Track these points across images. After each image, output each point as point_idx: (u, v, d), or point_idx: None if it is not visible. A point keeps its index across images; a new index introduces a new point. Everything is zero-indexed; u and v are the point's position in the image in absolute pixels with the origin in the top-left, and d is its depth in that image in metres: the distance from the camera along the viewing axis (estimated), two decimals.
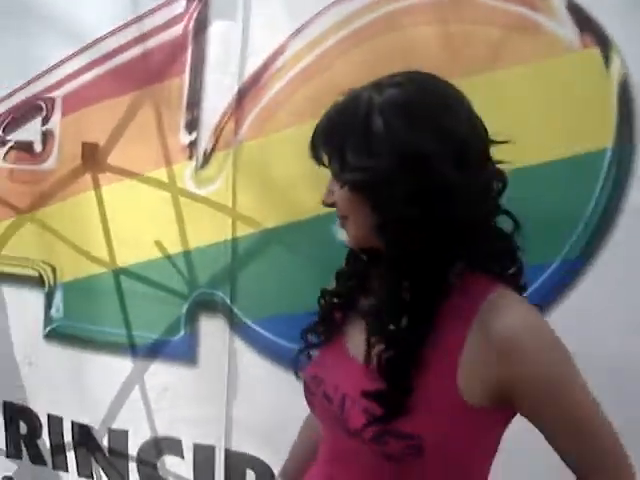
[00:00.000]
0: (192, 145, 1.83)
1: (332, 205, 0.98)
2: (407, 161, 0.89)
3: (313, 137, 0.97)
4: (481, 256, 0.95)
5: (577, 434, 0.93)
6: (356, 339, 1.02)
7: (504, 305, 0.92)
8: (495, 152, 1.67)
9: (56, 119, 1.98)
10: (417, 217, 0.90)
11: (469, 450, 0.97)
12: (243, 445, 1.89)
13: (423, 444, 0.91)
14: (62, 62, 1.95)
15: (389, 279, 0.95)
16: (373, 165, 0.90)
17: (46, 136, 2.00)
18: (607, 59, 1.52)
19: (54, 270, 2.05)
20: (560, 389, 0.91)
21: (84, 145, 1.92)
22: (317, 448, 1.13)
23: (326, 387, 1.02)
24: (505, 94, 1.58)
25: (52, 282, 2.05)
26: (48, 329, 2.07)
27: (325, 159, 0.97)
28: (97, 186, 1.92)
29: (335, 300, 1.09)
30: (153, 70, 1.85)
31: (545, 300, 1.58)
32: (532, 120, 1.57)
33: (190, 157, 1.84)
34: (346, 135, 0.92)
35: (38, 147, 2.02)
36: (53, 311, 2.06)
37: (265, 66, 1.75)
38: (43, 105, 2.00)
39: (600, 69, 1.54)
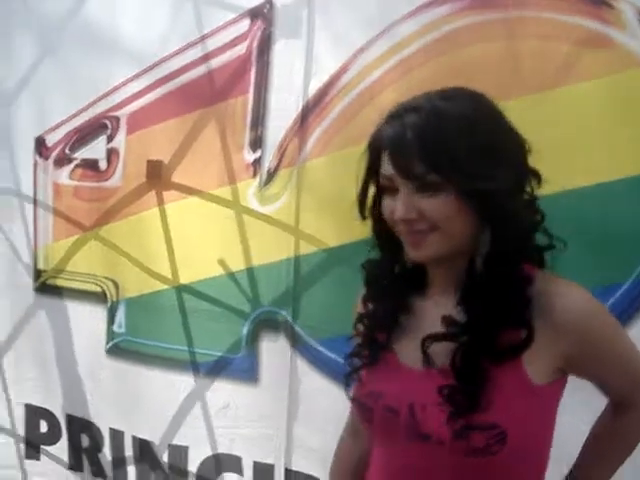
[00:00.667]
0: (256, 163, 1.84)
1: (409, 221, 0.98)
2: (517, 171, 1.00)
3: (402, 149, 0.95)
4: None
5: (624, 372, 1.08)
6: (408, 351, 1.05)
7: (556, 286, 1.01)
8: (568, 170, 1.64)
9: (121, 137, 2.02)
10: (525, 224, 1.01)
11: (542, 430, 1.04)
12: (302, 464, 1.88)
13: (506, 432, 0.96)
14: (127, 81, 1.99)
15: (489, 279, 0.99)
16: (499, 174, 0.95)
17: (111, 154, 2.04)
18: None
19: (117, 286, 2.08)
20: (616, 348, 1.07)
21: (149, 163, 1.95)
22: (362, 471, 1.18)
23: (387, 400, 1.03)
24: (575, 110, 1.56)
25: (115, 298, 2.08)
26: (110, 344, 2.10)
27: (417, 172, 0.95)
28: (161, 203, 1.95)
29: (376, 322, 1.10)
30: (217, 89, 1.87)
31: (620, 319, 1.56)
32: (603, 137, 1.54)
33: (254, 175, 1.85)
34: (460, 145, 0.94)
35: (103, 165, 2.05)
36: (115, 326, 2.09)
37: (329, 84, 1.76)
38: (108, 123, 2.04)
39: None
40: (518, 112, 1.56)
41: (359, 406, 1.11)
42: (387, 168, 0.99)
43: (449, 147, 0.95)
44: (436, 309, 1.05)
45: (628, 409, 1.12)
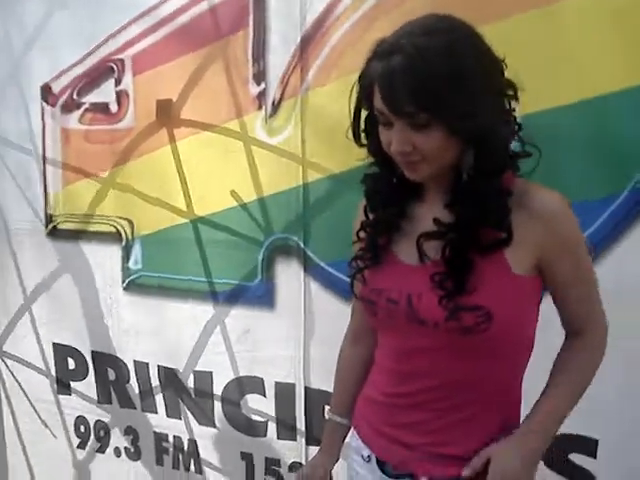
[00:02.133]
0: (261, 96, 1.90)
1: (403, 153, 1.08)
2: (497, 94, 1.10)
3: (393, 91, 1.03)
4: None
5: (583, 294, 1.20)
6: (406, 250, 1.19)
7: (535, 189, 1.14)
8: (567, 84, 1.66)
9: (128, 79, 2.06)
10: (504, 141, 1.13)
11: (524, 315, 1.17)
12: (321, 382, 1.98)
13: (491, 311, 1.11)
14: (129, 24, 2.02)
15: (477, 184, 1.11)
16: (481, 104, 1.05)
17: (120, 96, 2.08)
18: None
19: (132, 224, 2.15)
20: (581, 254, 1.18)
21: (158, 102, 2.00)
22: (362, 376, 1.34)
23: (389, 293, 1.19)
24: (573, 23, 1.58)
25: (130, 236, 2.16)
26: (127, 281, 2.19)
27: (408, 111, 1.04)
28: (173, 140, 2.00)
29: (378, 227, 1.23)
30: (219, 25, 1.91)
31: (615, 230, 1.63)
32: (604, 48, 1.56)
33: (260, 107, 1.90)
34: (444, 85, 1.02)
35: (114, 107, 2.10)
36: (131, 263, 2.17)
37: (326, 13, 1.80)
38: (114, 66, 2.08)
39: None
40: (509, 31, 1.62)
41: (365, 302, 1.24)
42: (380, 104, 1.07)
43: (434, 88, 1.03)
44: (430, 213, 1.18)
45: (577, 339, 1.22)
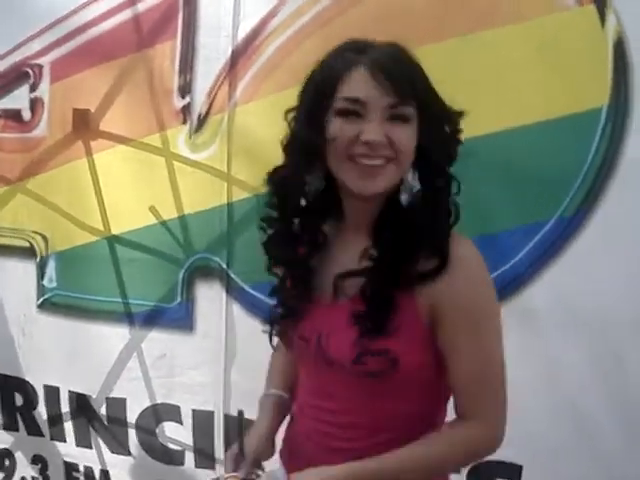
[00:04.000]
0: (185, 109, 1.82)
1: (375, 146, 1.00)
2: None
3: (387, 75, 0.99)
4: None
5: (476, 375, 1.06)
6: (322, 285, 1.13)
7: (453, 234, 1.07)
8: (493, 112, 1.67)
9: (45, 86, 1.95)
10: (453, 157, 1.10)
11: (430, 361, 1.08)
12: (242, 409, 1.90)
13: (397, 357, 1.04)
14: (49, 27, 1.91)
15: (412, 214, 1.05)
16: (441, 105, 1.06)
17: (35, 103, 1.97)
18: (603, 16, 1.53)
19: (46, 240, 2.03)
20: (485, 327, 1.07)
21: (75, 111, 1.90)
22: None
23: (302, 331, 1.14)
24: (500, 53, 1.59)
25: (44, 252, 2.03)
26: (42, 299, 2.06)
27: (400, 98, 1.00)
28: (89, 153, 1.90)
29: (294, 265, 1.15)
30: (144, 34, 1.83)
31: (543, 256, 1.62)
32: (528, 80, 1.58)
33: (184, 122, 1.82)
34: (422, 79, 1.03)
35: (27, 115, 1.98)
36: (46, 281, 2.05)
37: (259, 28, 1.74)
38: (30, 72, 1.97)
39: (596, 26, 1.55)
40: (443, 55, 1.61)
41: (280, 335, 1.20)
42: (358, 90, 1.00)
43: (424, 80, 1.03)
44: (352, 243, 1.11)
45: (457, 422, 1.10)
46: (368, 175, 1.02)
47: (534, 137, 1.58)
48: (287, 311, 1.17)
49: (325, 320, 1.12)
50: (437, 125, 1.05)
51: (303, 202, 1.12)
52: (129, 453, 2.05)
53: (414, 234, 1.04)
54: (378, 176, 1.02)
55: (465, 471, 1.70)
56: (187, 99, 1.81)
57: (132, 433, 2.03)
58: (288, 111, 1.10)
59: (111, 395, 2.02)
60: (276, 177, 1.13)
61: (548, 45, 1.56)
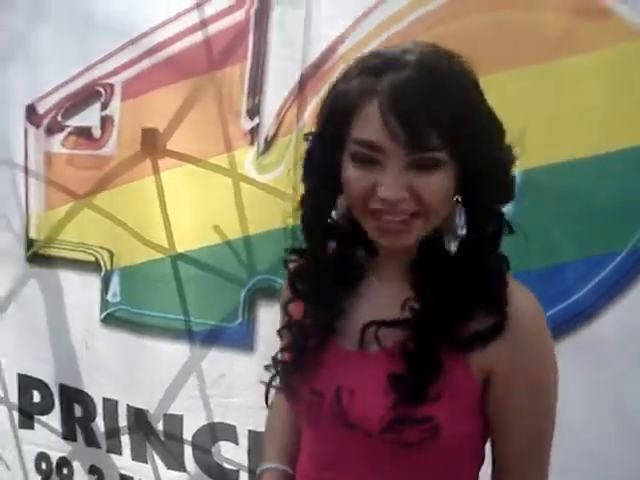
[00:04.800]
0: (254, 131, 1.83)
1: (395, 202, 0.83)
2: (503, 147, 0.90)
3: (408, 112, 0.79)
4: None
5: (532, 451, 0.94)
6: (345, 329, 0.95)
7: (513, 283, 0.91)
8: (562, 141, 1.63)
9: (115, 104, 1.99)
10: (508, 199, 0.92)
11: (474, 427, 0.95)
12: None
13: (440, 425, 0.88)
14: (122, 48, 1.95)
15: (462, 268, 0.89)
16: (491, 138, 0.86)
17: (105, 121, 2.01)
18: None
19: (111, 255, 2.06)
20: (542, 393, 0.93)
21: (144, 131, 1.93)
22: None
23: (313, 383, 0.94)
24: (571, 82, 1.56)
25: (109, 267, 2.06)
26: (105, 314, 2.09)
27: (428, 145, 0.80)
28: (156, 172, 1.93)
29: (309, 332, 0.97)
30: (214, 56, 1.84)
31: (613, 289, 1.58)
32: (599, 108, 1.53)
33: (251, 143, 1.83)
34: (460, 112, 0.81)
35: (97, 132, 2.02)
36: (110, 296, 2.08)
37: (328, 53, 1.73)
38: (102, 91, 2.01)
39: None
40: (514, 84, 1.58)
41: (285, 387, 1.01)
42: (371, 132, 0.81)
43: (459, 114, 0.80)
44: (388, 283, 0.95)
45: None
46: (391, 232, 0.86)
47: (604, 167, 1.53)
48: (299, 356, 0.96)
49: (348, 371, 0.93)
50: (485, 164, 0.84)
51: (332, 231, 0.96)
52: (184, 470, 2.06)
53: (464, 285, 0.88)
54: (402, 234, 0.86)
55: None
56: (255, 120, 1.82)
57: (188, 450, 2.03)
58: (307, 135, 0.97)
59: (168, 412, 2.04)
60: (303, 201, 0.99)
61: (621, 74, 1.52)
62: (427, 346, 0.88)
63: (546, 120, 1.54)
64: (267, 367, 1.05)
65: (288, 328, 1.01)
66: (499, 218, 0.90)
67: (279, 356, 1.03)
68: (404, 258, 0.93)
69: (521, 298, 0.90)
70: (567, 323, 1.57)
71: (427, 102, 0.79)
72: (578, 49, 1.54)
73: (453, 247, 0.89)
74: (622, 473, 1.58)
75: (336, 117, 0.86)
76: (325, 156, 0.89)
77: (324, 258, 0.96)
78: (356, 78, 0.84)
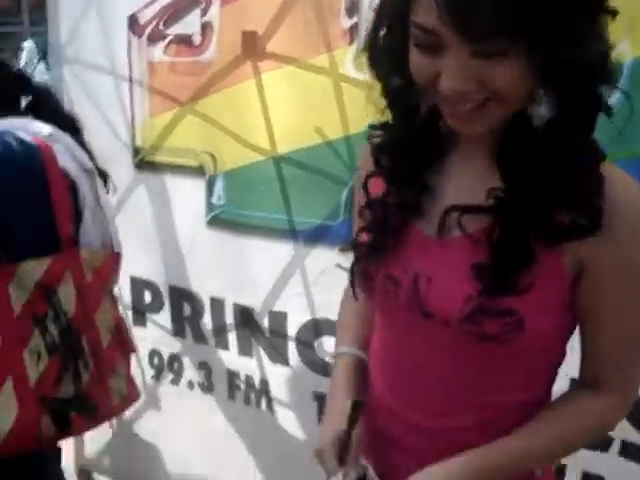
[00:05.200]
0: (353, 29, 1.81)
1: (462, 93, 0.79)
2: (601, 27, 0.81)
3: (471, 9, 0.72)
4: None
5: (627, 342, 0.90)
6: (426, 215, 0.92)
7: (615, 172, 0.86)
8: None
9: (215, 10, 2.00)
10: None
11: (561, 324, 0.92)
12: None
13: (525, 320, 0.85)
14: None
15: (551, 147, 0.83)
16: (591, 37, 0.77)
17: (205, 28, 2.03)
18: None
19: (214, 159, 2.12)
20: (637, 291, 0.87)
21: (243, 34, 1.94)
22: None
23: (389, 268, 0.93)
24: None
25: (213, 171, 2.13)
26: (210, 216, 2.16)
27: (487, 34, 0.74)
28: (257, 74, 1.95)
29: (392, 211, 0.94)
30: None
31: None
32: None
33: (351, 42, 1.82)
34: None
35: (197, 39, 2.05)
36: (214, 199, 2.15)
37: None
38: None
39: None
40: None
41: (360, 274, 0.98)
42: (429, 19, 0.76)
43: None
44: (472, 163, 0.91)
45: (589, 391, 0.95)
46: (463, 118, 0.82)
47: None
48: (378, 238, 0.94)
49: (427, 258, 0.90)
50: (569, 44, 0.75)
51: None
52: (288, 364, 2.16)
53: (553, 171, 0.82)
54: (475, 120, 0.82)
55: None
56: (354, 19, 1.81)
57: (292, 345, 2.13)
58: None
59: (273, 309, 2.12)
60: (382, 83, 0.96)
61: None
62: (515, 234, 0.84)
63: None
64: (342, 249, 1.04)
65: (369, 206, 0.97)
66: (591, 97, 0.83)
67: (358, 238, 0.99)
68: (488, 139, 0.88)
69: (622, 189, 0.84)
70: None
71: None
72: None
73: (537, 123, 0.84)
74: None
75: (397, 2, 0.82)
76: (392, 41, 0.86)
77: (409, 131, 0.93)
78: None
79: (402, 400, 0.99)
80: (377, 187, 0.98)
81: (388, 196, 0.95)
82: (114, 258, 1.49)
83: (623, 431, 1.63)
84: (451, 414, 0.96)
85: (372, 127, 1.02)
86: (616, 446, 1.66)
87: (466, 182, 0.91)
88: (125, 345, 1.46)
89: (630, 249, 0.84)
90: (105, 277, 1.42)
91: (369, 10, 1.79)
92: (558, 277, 0.86)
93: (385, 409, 1.02)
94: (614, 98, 0.93)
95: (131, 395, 1.45)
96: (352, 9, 1.81)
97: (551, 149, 0.82)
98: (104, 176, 1.48)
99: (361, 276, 0.97)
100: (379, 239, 0.93)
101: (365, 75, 1.80)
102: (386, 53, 0.89)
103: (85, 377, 1.31)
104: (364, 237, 0.98)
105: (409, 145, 0.93)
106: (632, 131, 1.39)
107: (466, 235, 0.87)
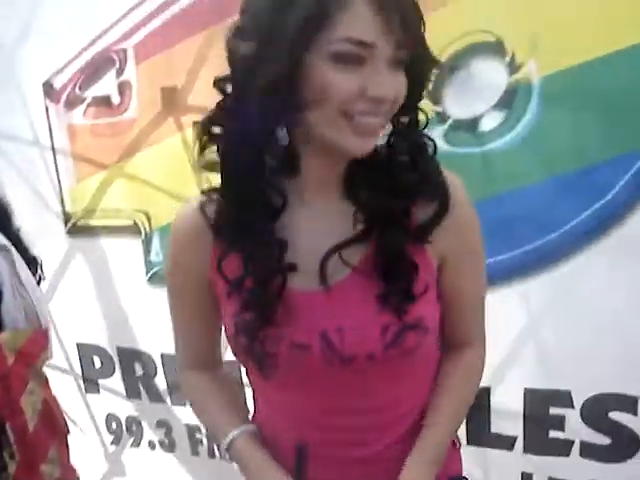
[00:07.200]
0: None
1: (380, 102, 0.82)
2: None
3: (399, 8, 0.78)
4: None
5: (478, 300, 1.05)
6: (298, 273, 0.90)
7: (447, 176, 0.93)
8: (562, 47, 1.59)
9: (130, 69, 2.01)
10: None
11: (438, 314, 1.00)
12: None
13: (427, 323, 0.93)
14: (129, 12, 1.96)
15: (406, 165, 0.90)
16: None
17: (123, 87, 2.03)
18: None
19: (148, 216, 2.11)
20: (481, 261, 1.02)
21: (163, 90, 1.95)
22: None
23: (293, 336, 0.89)
24: None
25: (148, 228, 2.12)
26: (150, 273, 2.15)
27: (414, 41, 0.81)
28: (181, 129, 1.96)
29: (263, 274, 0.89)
30: (222, 6, 1.84)
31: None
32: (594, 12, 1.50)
33: None
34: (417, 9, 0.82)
35: (116, 99, 2.05)
36: (152, 256, 2.13)
37: None
38: (115, 57, 2.03)
39: None
40: None
41: (253, 357, 0.92)
42: (364, 28, 0.77)
43: (421, 16, 0.82)
44: (321, 205, 0.91)
45: (461, 353, 1.05)
46: (367, 134, 0.83)
47: (616, 64, 1.50)
48: (262, 313, 0.88)
49: (325, 311, 0.89)
50: (423, 66, 0.86)
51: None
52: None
53: (404, 177, 0.88)
54: (376, 136, 0.84)
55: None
56: None
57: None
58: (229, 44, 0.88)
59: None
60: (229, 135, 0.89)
61: None
62: (397, 248, 0.88)
63: (555, 25, 1.53)
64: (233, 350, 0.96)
65: (236, 287, 0.91)
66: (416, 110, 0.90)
67: (234, 325, 0.93)
68: (336, 172, 0.90)
69: (457, 189, 0.93)
70: (602, 224, 1.59)
71: (415, 10, 0.80)
72: None
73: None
74: None
75: (312, 9, 0.77)
76: (278, 68, 0.80)
77: (249, 191, 0.87)
78: None
79: (341, 442, 0.99)
80: (232, 266, 0.92)
81: (253, 267, 0.89)
82: (40, 335, 1.43)
83: (580, 433, 1.68)
84: (381, 439, 1.00)
85: (203, 193, 0.95)
86: (576, 449, 1.71)
87: (321, 224, 0.91)
88: (56, 427, 1.40)
89: (472, 235, 0.97)
90: (31, 356, 1.37)
91: None
92: (431, 272, 0.94)
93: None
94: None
95: (66, 478, 1.40)
96: None
97: (394, 157, 0.89)
98: (34, 260, 1.45)
99: (261, 356, 0.90)
100: (264, 314, 0.88)
101: None
102: (262, 87, 0.82)
103: (12, 466, 1.25)
104: (243, 319, 0.91)
105: (251, 206, 0.88)
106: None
107: (354, 270, 0.89)
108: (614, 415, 1.68)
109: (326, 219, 0.91)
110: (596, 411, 1.67)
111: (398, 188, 0.87)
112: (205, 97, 1.87)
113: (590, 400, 1.66)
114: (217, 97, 1.85)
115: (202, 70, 1.89)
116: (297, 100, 0.81)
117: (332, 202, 0.91)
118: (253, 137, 0.85)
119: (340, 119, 0.81)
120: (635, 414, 1.66)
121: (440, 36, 1.50)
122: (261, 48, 0.81)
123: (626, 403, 1.65)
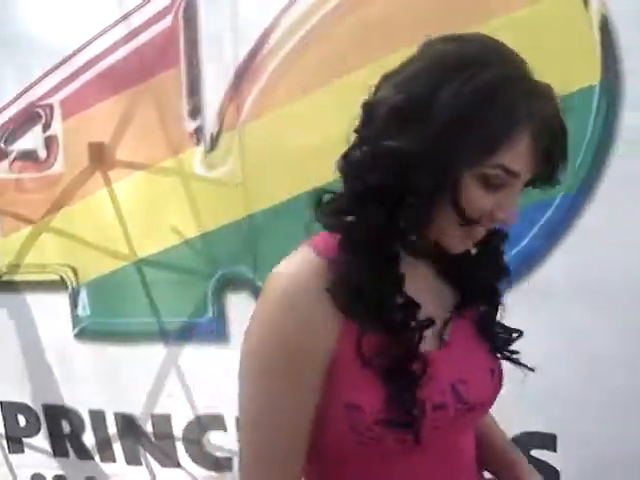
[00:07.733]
0: (198, 131, 1.89)
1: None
2: None
3: (565, 153, 0.83)
4: None
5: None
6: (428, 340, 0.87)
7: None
8: None
9: (57, 124, 2.02)
10: None
11: None
12: None
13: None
14: (55, 68, 1.98)
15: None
16: None
17: (49, 142, 2.04)
18: None
19: (75, 271, 2.10)
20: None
21: (90, 145, 1.97)
22: None
23: (432, 400, 0.84)
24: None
25: (75, 283, 2.10)
26: (77, 329, 2.12)
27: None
28: (108, 183, 1.97)
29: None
30: (148, 64, 1.89)
31: (551, 236, 1.70)
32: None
33: (197, 143, 1.89)
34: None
35: (42, 154, 2.05)
36: (80, 311, 2.11)
37: (258, 45, 1.81)
38: (42, 112, 2.03)
39: (580, 9, 1.61)
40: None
41: (390, 430, 0.82)
42: (520, 161, 0.79)
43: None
44: (425, 282, 0.93)
45: None
46: (472, 240, 0.87)
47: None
48: (404, 380, 0.82)
49: (449, 366, 0.88)
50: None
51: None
52: (179, 465, 2.12)
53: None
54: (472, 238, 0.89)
55: None
56: (198, 121, 1.88)
57: (180, 446, 2.10)
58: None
59: (155, 412, 2.09)
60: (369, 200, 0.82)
61: (537, 33, 1.60)
62: (494, 299, 0.98)
63: None
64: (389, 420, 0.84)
65: (390, 369, 0.83)
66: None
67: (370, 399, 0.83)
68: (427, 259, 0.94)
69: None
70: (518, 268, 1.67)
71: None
72: (495, 13, 1.63)
73: None
74: (581, 401, 1.72)
75: (484, 135, 0.78)
76: (429, 180, 0.79)
77: (382, 259, 0.83)
78: (525, 98, 0.79)
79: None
80: (371, 344, 0.83)
81: (392, 339, 0.83)
82: None
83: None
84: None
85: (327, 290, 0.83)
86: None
87: (428, 290, 0.92)
88: None
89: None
90: None
91: (211, 110, 1.88)
92: None
93: None
94: None
95: None
96: (194, 112, 1.89)
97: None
98: None
99: (394, 430, 0.82)
100: (412, 384, 0.83)
101: (214, 172, 1.91)
102: (428, 175, 0.79)
103: None
104: (379, 393, 0.83)
105: (383, 273, 0.84)
106: None
107: (459, 320, 0.93)
108: (535, 453, 1.76)
109: (428, 284, 0.93)
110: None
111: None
112: (132, 153, 1.96)
113: (513, 440, 1.72)
114: (144, 152, 1.93)
115: (129, 127, 1.92)
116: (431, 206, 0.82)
117: (429, 274, 0.95)
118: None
119: (458, 226, 0.83)
120: (555, 451, 1.75)
121: None
122: (424, 151, 0.78)
123: (546, 441, 1.73)
